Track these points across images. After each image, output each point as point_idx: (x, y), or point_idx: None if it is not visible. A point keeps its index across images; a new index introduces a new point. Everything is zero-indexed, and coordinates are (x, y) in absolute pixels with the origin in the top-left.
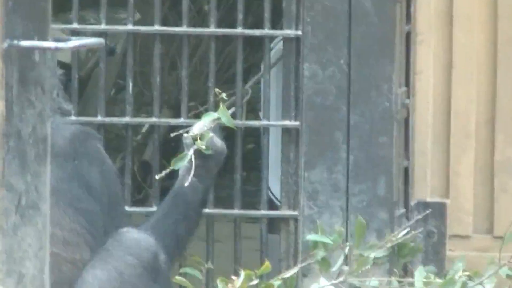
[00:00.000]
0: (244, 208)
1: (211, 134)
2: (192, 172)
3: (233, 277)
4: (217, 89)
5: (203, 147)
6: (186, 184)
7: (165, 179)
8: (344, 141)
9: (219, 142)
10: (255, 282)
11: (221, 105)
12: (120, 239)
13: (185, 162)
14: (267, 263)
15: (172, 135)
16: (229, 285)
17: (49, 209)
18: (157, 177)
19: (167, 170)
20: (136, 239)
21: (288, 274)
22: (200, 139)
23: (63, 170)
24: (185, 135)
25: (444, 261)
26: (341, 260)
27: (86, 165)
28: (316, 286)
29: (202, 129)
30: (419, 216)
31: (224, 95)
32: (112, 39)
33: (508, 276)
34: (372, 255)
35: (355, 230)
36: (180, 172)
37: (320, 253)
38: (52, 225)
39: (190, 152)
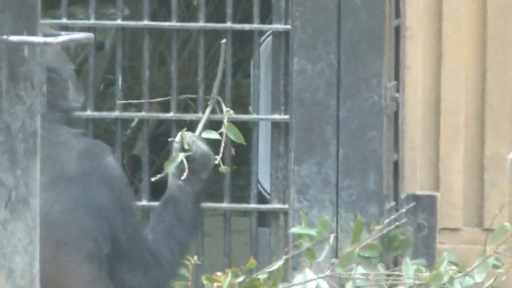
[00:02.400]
0: (234, 202)
1: (194, 138)
2: (185, 174)
3: (218, 274)
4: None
5: (188, 147)
6: (153, 179)
7: (155, 174)
8: (334, 136)
9: (203, 145)
10: (240, 279)
11: (225, 121)
12: None
13: (176, 164)
14: (252, 260)
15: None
16: (215, 284)
17: (38, 204)
18: (152, 179)
19: (162, 174)
20: None
21: (273, 267)
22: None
23: (70, 197)
24: (174, 140)
25: (435, 254)
26: (326, 251)
27: (94, 186)
28: (301, 278)
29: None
30: (408, 207)
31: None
32: (101, 34)
33: (494, 266)
34: (366, 254)
35: (353, 228)
36: (169, 178)
37: (306, 244)
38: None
39: (181, 156)
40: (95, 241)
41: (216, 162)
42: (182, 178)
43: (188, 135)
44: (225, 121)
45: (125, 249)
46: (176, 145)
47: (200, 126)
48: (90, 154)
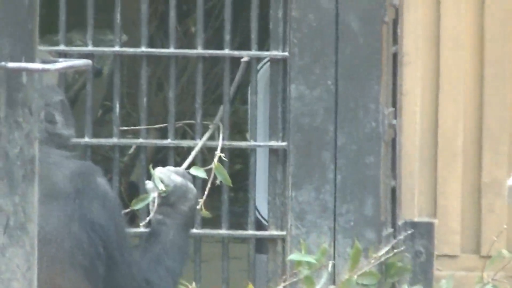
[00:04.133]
0: (231, 229)
1: (168, 173)
2: (152, 214)
3: None
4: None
5: (159, 186)
6: (142, 224)
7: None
8: (332, 162)
9: (178, 178)
10: None
11: (215, 161)
12: None
13: (145, 204)
14: (250, 286)
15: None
16: None
17: (36, 230)
18: (141, 224)
19: (127, 210)
20: None
21: None
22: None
23: (63, 213)
24: (146, 181)
25: (432, 281)
26: (324, 278)
27: (87, 203)
28: None
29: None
30: (405, 234)
31: (222, 155)
32: (99, 61)
33: None
34: (364, 282)
35: (351, 254)
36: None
37: (304, 271)
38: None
39: (151, 196)
40: (89, 258)
41: (198, 206)
42: (152, 214)
43: (158, 171)
44: (215, 160)
45: (120, 271)
46: (148, 183)
47: (189, 158)
48: (82, 174)
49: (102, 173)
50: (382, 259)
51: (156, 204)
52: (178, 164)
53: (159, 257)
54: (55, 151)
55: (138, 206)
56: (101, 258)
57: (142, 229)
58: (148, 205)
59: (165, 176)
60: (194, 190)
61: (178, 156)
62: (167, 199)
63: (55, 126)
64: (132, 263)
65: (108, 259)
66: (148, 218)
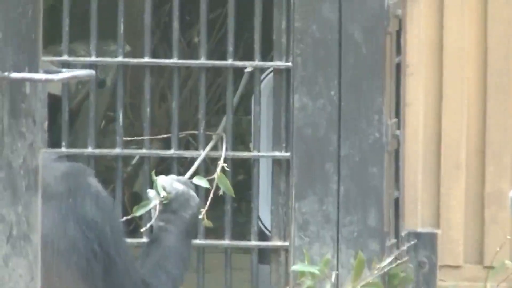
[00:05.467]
0: (234, 239)
1: (170, 181)
2: (153, 220)
3: None
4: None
5: (161, 193)
6: (143, 230)
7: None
8: (335, 172)
9: (180, 186)
10: None
11: (218, 171)
12: None
13: (146, 210)
14: None
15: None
16: None
17: (40, 240)
18: (141, 230)
19: (129, 217)
20: None
21: None
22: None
23: (57, 212)
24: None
25: None
26: None
27: (80, 202)
28: None
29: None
30: (408, 244)
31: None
32: (102, 71)
33: None
34: None
35: (355, 265)
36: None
37: (307, 282)
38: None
39: (152, 203)
40: (86, 258)
41: (200, 216)
42: (153, 220)
43: (160, 178)
44: (218, 170)
45: (118, 270)
46: (150, 191)
47: (192, 169)
48: (73, 174)
49: (93, 174)
50: (386, 269)
51: (157, 211)
52: (181, 174)
53: (160, 261)
54: (43, 153)
55: (139, 212)
56: (98, 257)
57: (144, 239)
58: (151, 214)
59: (167, 184)
60: (197, 198)
61: (181, 166)
62: (169, 206)
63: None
64: (129, 262)
65: (105, 258)
66: (149, 224)
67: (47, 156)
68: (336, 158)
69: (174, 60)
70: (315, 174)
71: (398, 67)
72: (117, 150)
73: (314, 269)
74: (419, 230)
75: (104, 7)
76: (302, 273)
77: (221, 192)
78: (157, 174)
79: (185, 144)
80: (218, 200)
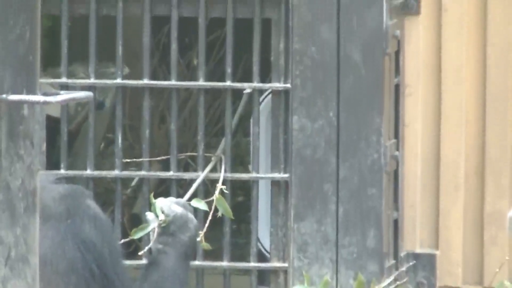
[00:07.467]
0: (234, 260)
1: (169, 203)
2: (151, 243)
3: None
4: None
5: (160, 216)
6: (140, 253)
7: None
8: (334, 193)
9: (178, 208)
10: None
11: (216, 193)
12: None
13: (144, 233)
14: None
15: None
16: None
17: (38, 262)
18: (140, 253)
19: (127, 239)
20: None
21: None
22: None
23: (56, 232)
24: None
25: None
26: None
27: (79, 223)
28: None
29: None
30: (407, 265)
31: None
32: (101, 93)
33: None
34: None
35: (354, 287)
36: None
37: None
38: None
39: (151, 226)
40: (84, 278)
41: (199, 238)
42: (151, 243)
43: (159, 201)
44: (216, 192)
45: None
46: (148, 214)
47: (191, 190)
48: (71, 195)
49: (91, 196)
50: None
51: (156, 233)
52: (180, 196)
53: (158, 283)
54: (41, 175)
55: (137, 235)
56: (96, 278)
57: (143, 261)
58: (149, 237)
59: (165, 206)
60: (195, 220)
61: (180, 188)
62: (168, 229)
63: None
64: (126, 283)
65: (103, 279)
66: (147, 247)
67: (45, 178)
68: (335, 179)
69: (173, 82)
70: (314, 195)
71: (397, 87)
72: (116, 172)
73: None
74: (418, 251)
75: (103, 29)
76: None
77: (219, 214)
78: (156, 196)
79: (184, 166)
80: (217, 222)
